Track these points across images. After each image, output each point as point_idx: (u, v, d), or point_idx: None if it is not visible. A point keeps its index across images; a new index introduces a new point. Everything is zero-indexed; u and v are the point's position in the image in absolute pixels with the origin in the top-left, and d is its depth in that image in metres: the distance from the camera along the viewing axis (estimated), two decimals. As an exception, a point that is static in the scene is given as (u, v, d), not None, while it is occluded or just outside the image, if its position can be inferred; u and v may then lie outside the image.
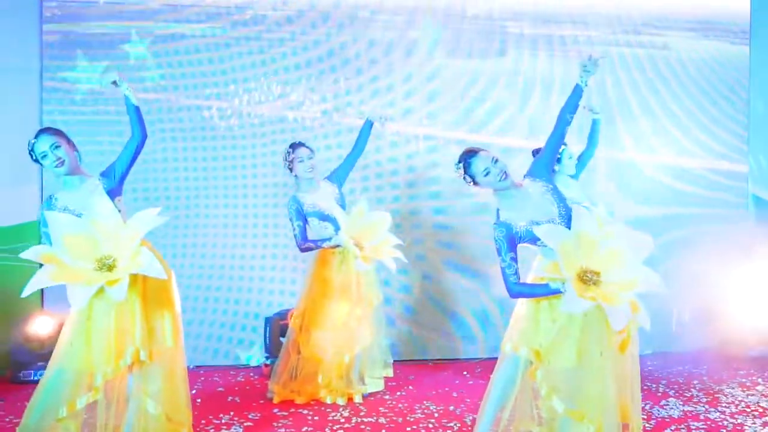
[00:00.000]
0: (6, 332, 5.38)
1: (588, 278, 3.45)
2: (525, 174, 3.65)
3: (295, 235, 4.91)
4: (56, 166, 3.67)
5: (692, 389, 5.19)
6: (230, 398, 5.02)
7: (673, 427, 4.36)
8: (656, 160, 6.47)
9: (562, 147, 4.75)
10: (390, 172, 6.15)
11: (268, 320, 5.64)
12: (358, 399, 4.91)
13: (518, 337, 3.60)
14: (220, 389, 5.25)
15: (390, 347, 5.34)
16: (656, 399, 4.92)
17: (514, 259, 3.49)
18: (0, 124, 5.57)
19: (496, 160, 3.52)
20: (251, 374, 5.66)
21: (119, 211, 3.67)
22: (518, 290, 3.52)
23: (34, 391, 3.61)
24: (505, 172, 3.51)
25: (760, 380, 5.44)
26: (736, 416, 4.58)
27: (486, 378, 3.82)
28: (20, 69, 5.65)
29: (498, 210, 3.72)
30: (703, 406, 4.78)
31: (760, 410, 4.72)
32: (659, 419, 4.51)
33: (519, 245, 3.53)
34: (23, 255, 3.60)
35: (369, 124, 5.17)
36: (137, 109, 3.85)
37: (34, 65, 5.69)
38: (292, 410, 4.72)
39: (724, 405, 4.81)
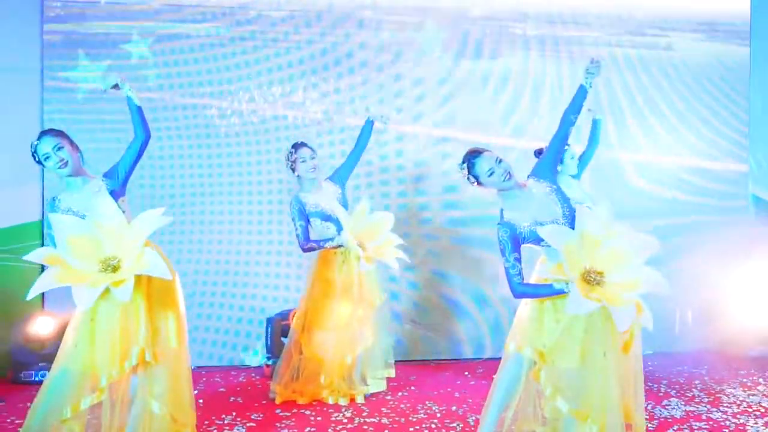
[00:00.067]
0: (7, 333, 5.36)
1: (592, 278, 3.45)
2: (529, 174, 3.65)
3: (297, 236, 4.90)
4: (59, 168, 3.66)
5: (693, 389, 5.19)
6: (232, 399, 5.02)
7: (675, 427, 4.36)
8: (656, 159, 6.48)
9: (565, 147, 4.75)
10: (395, 167, 6.15)
11: (269, 320, 5.63)
12: (360, 399, 4.90)
13: (522, 337, 3.60)
14: (222, 390, 5.25)
15: (394, 345, 5.33)
16: (658, 399, 4.92)
17: (518, 260, 3.49)
18: (1, 124, 5.56)
19: (500, 160, 3.53)
20: (252, 375, 5.66)
21: (123, 211, 3.67)
22: (522, 290, 3.52)
23: (38, 392, 3.60)
24: (509, 172, 3.51)
25: (761, 380, 5.45)
26: (738, 416, 4.59)
27: (487, 378, 3.83)
28: (21, 69, 5.64)
29: (502, 210, 3.72)
30: (705, 406, 4.78)
31: (762, 410, 4.72)
32: (661, 419, 4.52)
33: (523, 245, 3.53)
34: (27, 257, 3.59)
35: (370, 123, 5.18)
36: (139, 109, 3.85)
37: (35, 65, 5.68)
38: (295, 411, 4.72)
39: (725, 405, 4.82)
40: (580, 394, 3.47)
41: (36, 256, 3.60)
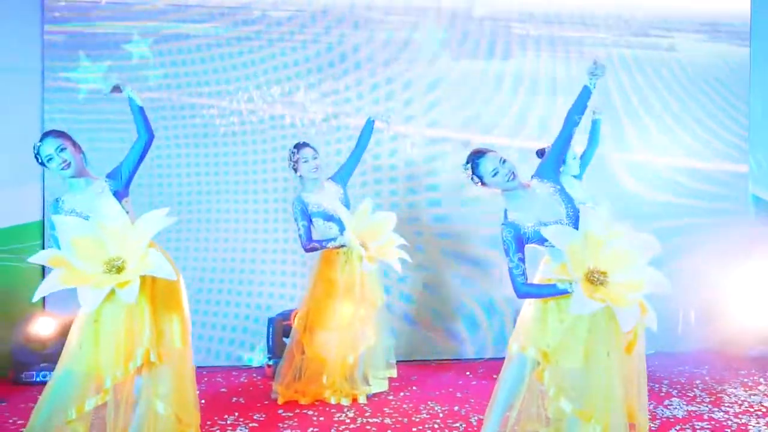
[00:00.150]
0: (8, 333, 5.34)
1: (595, 278, 3.45)
2: (532, 174, 3.65)
3: (299, 236, 4.91)
4: (62, 169, 3.65)
5: (695, 389, 5.20)
6: (234, 399, 5.01)
7: (678, 427, 4.37)
8: (656, 160, 6.49)
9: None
10: (388, 167, 6.16)
11: (271, 321, 5.63)
12: (362, 399, 4.90)
13: (525, 338, 3.60)
14: (224, 390, 5.24)
15: (395, 345, 5.33)
16: (660, 399, 4.93)
17: (522, 260, 3.49)
18: (2, 125, 5.56)
19: (504, 161, 3.53)
20: (254, 375, 5.65)
21: (127, 212, 3.66)
22: (526, 291, 3.52)
23: (42, 392, 3.59)
24: (513, 172, 3.52)
25: (762, 380, 5.46)
26: (740, 416, 4.60)
27: (489, 378, 3.84)
28: (22, 69, 5.63)
29: (506, 210, 3.72)
30: (707, 406, 4.79)
31: (764, 410, 4.73)
32: (664, 419, 4.52)
33: (527, 246, 3.53)
34: (31, 259, 3.58)
35: (371, 123, 5.17)
36: (141, 109, 3.84)
37: (36, 65, 5.67)
38: (297, 411, 4.71)
39: (727, 405, 4.83)
40: (584, 394, 3.47)
41: (40, 258, 3.59)
